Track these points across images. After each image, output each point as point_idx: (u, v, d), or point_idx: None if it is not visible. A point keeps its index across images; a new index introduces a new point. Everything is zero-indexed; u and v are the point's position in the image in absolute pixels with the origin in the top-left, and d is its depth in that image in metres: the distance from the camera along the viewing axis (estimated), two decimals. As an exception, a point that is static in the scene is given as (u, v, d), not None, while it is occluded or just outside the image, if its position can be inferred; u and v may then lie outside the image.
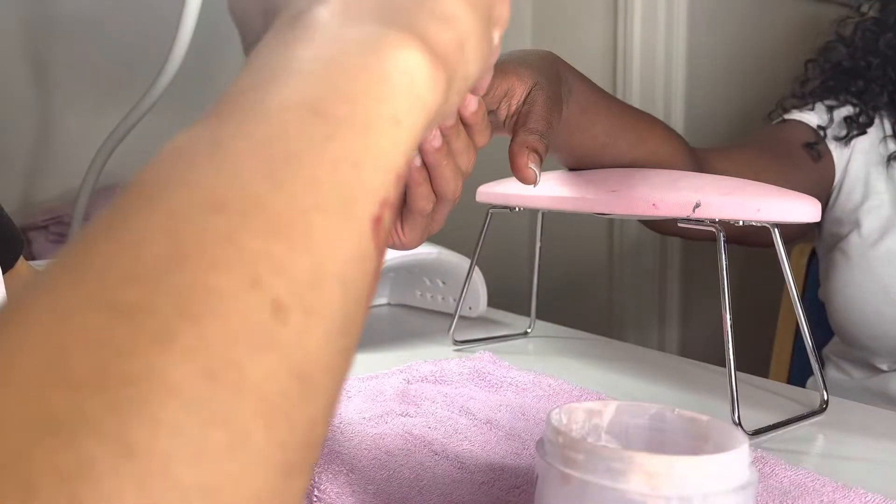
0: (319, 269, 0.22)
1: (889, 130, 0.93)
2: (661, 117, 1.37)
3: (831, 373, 0.99)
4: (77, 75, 1.10)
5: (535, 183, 0.51)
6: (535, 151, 0.51)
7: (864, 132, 0.93)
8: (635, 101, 1.39)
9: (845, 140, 0.92)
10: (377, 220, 0.24)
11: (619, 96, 1.41)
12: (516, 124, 0.53)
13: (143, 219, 0.20)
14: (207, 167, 0.22)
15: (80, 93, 1.11)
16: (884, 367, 0.92)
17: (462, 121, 0.48)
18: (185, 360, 0.18)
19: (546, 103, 0.53)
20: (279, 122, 0.24)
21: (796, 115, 0.94)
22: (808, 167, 0.90)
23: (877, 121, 0.93)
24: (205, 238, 0.20)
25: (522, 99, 0.53)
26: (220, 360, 0.18)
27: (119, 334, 0.18)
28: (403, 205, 0.54)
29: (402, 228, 0.54)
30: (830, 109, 0.94)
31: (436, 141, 0.47)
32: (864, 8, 0.99)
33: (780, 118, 0.96)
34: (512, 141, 0.51)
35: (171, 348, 0.18)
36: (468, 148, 0.50)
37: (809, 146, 0.91)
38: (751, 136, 0.96)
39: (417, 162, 0.49)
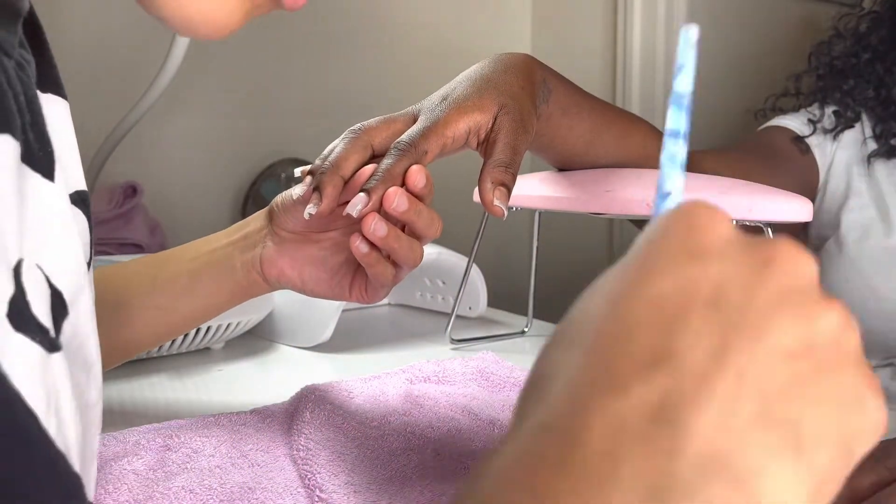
0: None
1: (869, 132, 0.94)
2: (660, 118, 1.38)
3: None
4: (76, 76, 1.10)
5: (503, 217, 0.53)
6: (502, 184, 0.52)
7: (851, 126, 0.94)
8: (635, 102, 1.39)
9: (833, 133, 0.94)
10: None
11: (619, 97, 1.41)
12: (485, 153, 0.54)
13: None
14: None
15: (79, 93, 1.11)
16: (872, 362, 0.93)
17: (416, 195, 0.51)
18: None
19: (511, 127, 0.54)
20: None
21: (778, 122, 0.96)
22: (794, 168, 0.92)
23: (857, 124, 0.95)
24: None
25: (490, 126, 0.54)
26: None
27: None
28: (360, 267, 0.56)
29: (366, 290, 0.57)
30: (822, 106, 0.96)
31: (380, 231, 0.50)
32: (867, 3, 1.01)
33: (763, 125, 0.98)
34: (479, 176, 0.53)
35: None
36: (432, 220, 0.52)
37: (798, 140, 0.93)
38: (736, 142, 0.97)
39: (364, 249, 0.51)
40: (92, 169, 1.02)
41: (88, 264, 0.39)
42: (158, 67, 0.97)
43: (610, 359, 0.22)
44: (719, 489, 0.20)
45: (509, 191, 0.52)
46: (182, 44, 0.94)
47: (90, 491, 0.34)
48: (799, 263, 0.24)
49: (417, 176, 0.50)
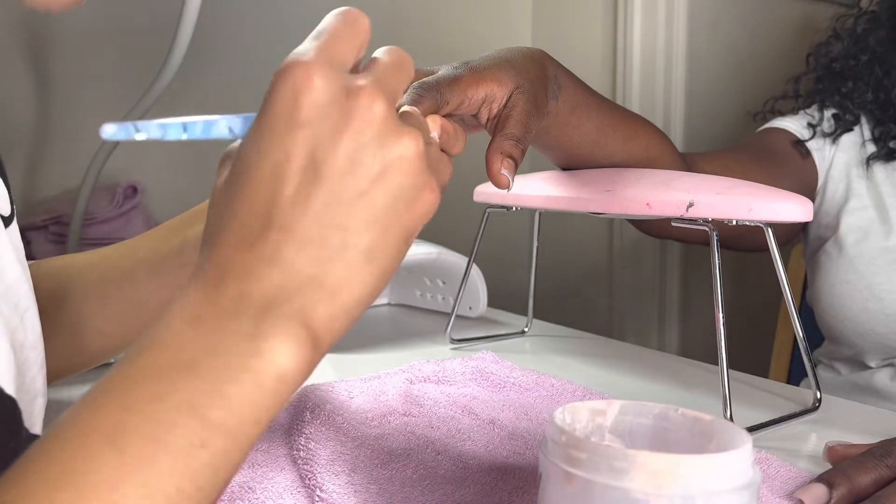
0: None
1: (868, 135, 0.94)
2: (660, 117, 1.38)
3: (821, 372, 0.99)
4: (77, 75, 1.10)
5: (508, 188, 0.52)
6: (510, 157, 0.51)
7: (850, 129, 0.94)
8: (635, 102, 1.39)
9: (833, 137, 0.93)
10: None
11: (619, 97, 1.41)
12: (496, 128, 0.53)
13: None
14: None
15: (80, 93, 1.11)
16: (872, 364, 0.93)
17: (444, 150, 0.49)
18: None
19: (525, 107, 0.53)
20: (163, 420, 0.28)
21: (777, 123, 0.96)
22: (793, 170, 0.92)
23: (856, 126, 0.95)
24: None
25: (503, 102, 0.53)
26: None
27: None
28: None
29: None
30: (821, 108, 0.96)
31: None
32: (864, 3, 1.00)
33: (763, 127, 0.98)
34: (488, 145, 0.52)
35: None
36: (444, 161, 0.50)
37: (798, 143, 0.93)
38: (736, 144, 0.97)
39: None
40: (92, 169, 1.02)
41: (6, 219, 0.41)
42: (159, 67, 0.96)
43: (241, 222, 0.31)
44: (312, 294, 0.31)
45: (516, 164, 0.52)
46: (183, 43, 0.94)
47: (31, 423, 0.37)
48: (373, 110, 0.31)
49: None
